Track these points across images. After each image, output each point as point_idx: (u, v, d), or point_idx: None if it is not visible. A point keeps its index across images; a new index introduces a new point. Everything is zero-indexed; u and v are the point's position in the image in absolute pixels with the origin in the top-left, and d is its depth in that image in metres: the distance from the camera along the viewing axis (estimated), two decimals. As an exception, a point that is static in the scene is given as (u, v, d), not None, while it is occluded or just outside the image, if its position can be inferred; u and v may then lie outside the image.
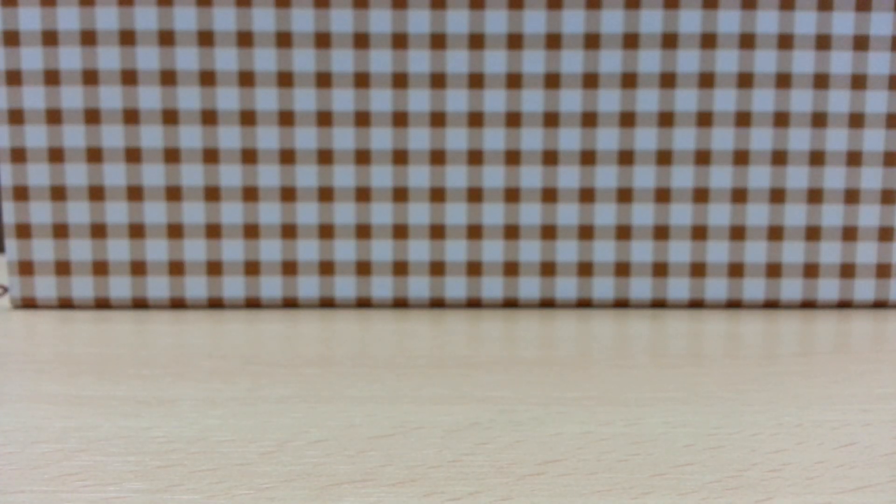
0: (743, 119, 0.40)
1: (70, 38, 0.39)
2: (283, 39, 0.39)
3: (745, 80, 0.40)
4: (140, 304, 0.40)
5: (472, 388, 0.25)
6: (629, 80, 0.40)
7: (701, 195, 0.40)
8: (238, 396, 0.24)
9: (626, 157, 0.40)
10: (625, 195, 0.40)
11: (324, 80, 0.39)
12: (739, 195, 0.40)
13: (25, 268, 0.39)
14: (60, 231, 0.39)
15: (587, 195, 0.40)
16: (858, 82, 0.39)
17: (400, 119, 0.40)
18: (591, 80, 0.40)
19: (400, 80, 0.39)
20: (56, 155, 0.39)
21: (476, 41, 0.39)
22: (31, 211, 0.39)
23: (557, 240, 0.40)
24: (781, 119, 0.40)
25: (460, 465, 0.19)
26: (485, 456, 0.19)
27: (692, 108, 0.40)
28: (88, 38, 0.39)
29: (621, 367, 0.28)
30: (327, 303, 0.40)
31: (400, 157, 0.40)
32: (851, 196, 0.40)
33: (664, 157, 0.40)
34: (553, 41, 0.39)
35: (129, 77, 0.39)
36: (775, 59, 0.39)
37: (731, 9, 0.39)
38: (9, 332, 0.34)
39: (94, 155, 0.39)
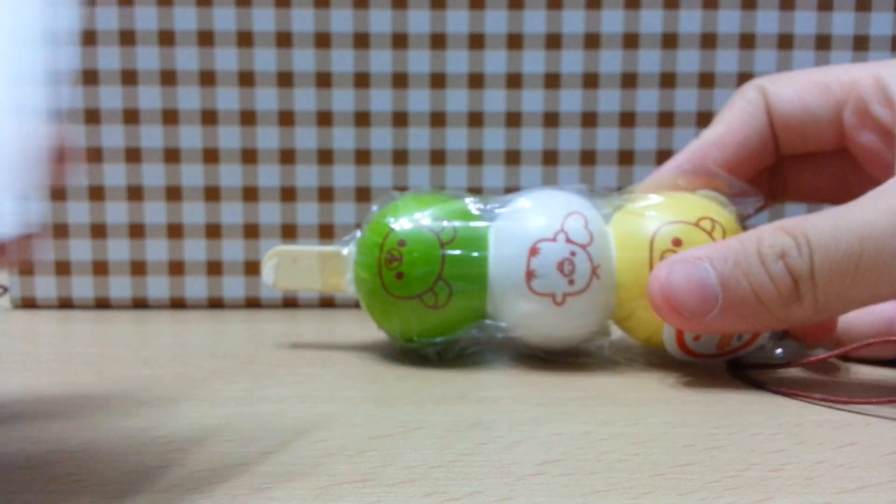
0: (743, 119, 0.40)
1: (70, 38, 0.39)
2: (283, 39, 0.39)
3: (745, 80, 0.40)
4: (140, 303, 0.40)
5: (472, 388, 0.25)
6: (629, 80, 0.40)
7: (701, 195, 0.40)
8: (238, 396, 0.24)
9: (626, 157, 0.40)
10: (625, 195, 0.40)
11: (324, 80, 0.39)
12: (739, 195, 0.40)
13: (25, 268, 0.39)
14: (60, 231, 0.39)
15: (587, 195, 0.40)
16: (858, 82, 0.39)
17: (400, 119, 0.40)
18: (591, 80, 0.40)
19: (400, 80, 0.39)
20: (56, 155, 0.39)
21: (476, 41, 0.39)
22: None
23: (557, 240, 0.40)
24: (781, 119, 0.40)
25: (460, 465, 0.19)
26: (485, 456, 0.19)
27: (692, 108, 0.40)
28: (88, 38, 0.39)
29: (617, 363, 0.28)
30: (327, 303, 0.40)
31: (400, 158, 0.40)
32: (851, 196, 0.40)
33: (664, 158, 0.40)
34: (553, 41, 0.39)
35: (129, 77, 0.39)
36: (775, 59, 0.39)
37: (731, 9, 0.39)
38: (9, 332, 0.34)
39: (95, 155, 0.39)
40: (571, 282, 0.26)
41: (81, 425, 0.21)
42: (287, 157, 0.40)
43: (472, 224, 0.27)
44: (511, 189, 0.40)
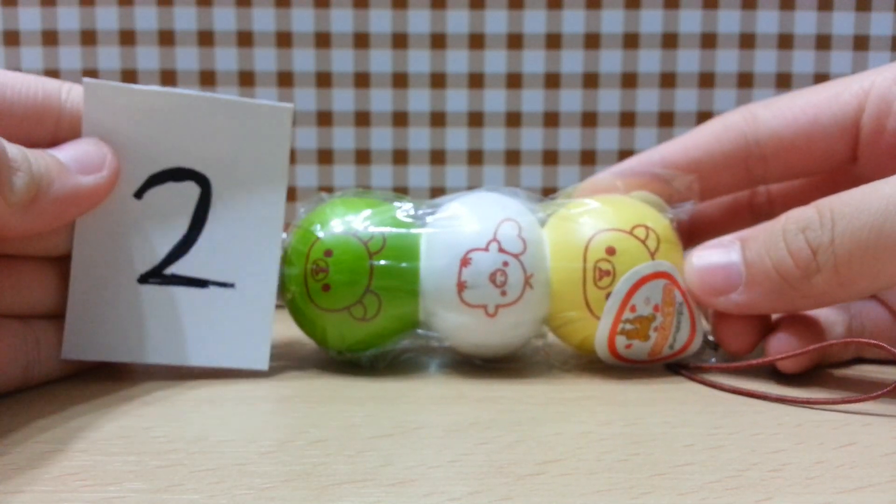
0: (743, 119, 0.40)
1: (70, 38, 0.39)
2: (283, 39, 0.39)
3: (744, 80, 0.40)
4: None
5: (473, 389, 0.25)
6: (629, 80, 0.40)
7: (701, 195, 0.40)
8: (238, 396, 0.24)
9: (626, 157, 0.40)
10: (625, 195, 0.40)
11: (324, 80, 0.39)
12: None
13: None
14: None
15: (587, 195, 0.40)
16: (858, 82, 0.39)
17: (400, 119, 0.40)
18: (591, 80, 0.40)
19: (400, 80, 0.39)
20: (56, 155, 0.39)
21: (476, 41, 0.39)
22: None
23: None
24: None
25: (460, 465, 0.19)
26: (485, 456, 0.19)
27: (692, 108, 0.40)
28: (88, 38, 0.39)
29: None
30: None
31: (400, 157, 0.40)
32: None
33: (664, 157, 0.40)
34: (553, 41, 0.39)
35: (129, 77, 0.39)
36: (775, 59, 0.39)
37: (731, 9, 0.39)
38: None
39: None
40: (504, 293, 0.25)
41: (81, 425, 0.21)
42: (287, 157, 0.40)
43: (403, 231, 0.26)
44: (511, 189, 0.40)
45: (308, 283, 0.26)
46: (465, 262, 0.25)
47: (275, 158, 0.26)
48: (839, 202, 0.23)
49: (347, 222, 0.26)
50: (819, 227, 0.23)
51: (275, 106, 0.25)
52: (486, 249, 0.25)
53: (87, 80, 0.24)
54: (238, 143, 0.25)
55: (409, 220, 0.26)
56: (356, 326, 0.26)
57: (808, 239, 0.23)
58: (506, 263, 0.25)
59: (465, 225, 0.26)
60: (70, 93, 0.24)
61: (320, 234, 0.26)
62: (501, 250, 0.25)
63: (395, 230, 0.26)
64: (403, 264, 0.25)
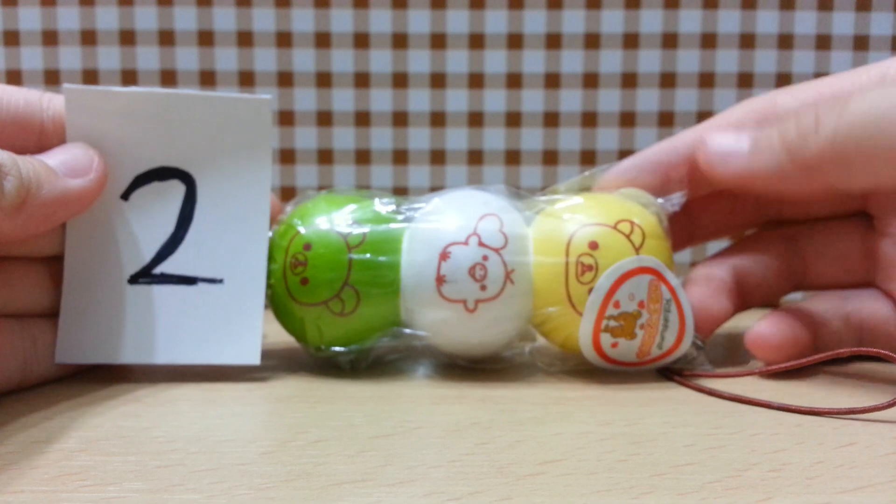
0: (743, 119, 0.40)
1: (70, 38, 0.39)
2: (283, 39, 0.39)
3: (745, 80, 0.40)
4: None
5: (472, 389, 0.25)
6: (629, 80, 0.40)
7: (701, 195, 0.40)
8: (238, 396, 0.24)
9: (626, 158, 0.40)
10: (625, 195, 0.40)
11: (324, 80, 0.39)
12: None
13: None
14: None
15: (587, 195, 0.40)
16: (858, 82, 0.39)
17: (400, 119, 0.40)
18: (591, 80, 0.40)
19: (400, 80, 0.39)
20: (56, 155, 0.39)
21: (476, 41, 0.39)
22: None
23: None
24: (781, 119, 0.40)
25: (460, 465, 0.19)
26: (485, 456, 0.19)
27: (692, 108, 0.40)
28: (88, 38, 0.39)
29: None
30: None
31: (400, 157, 0.40)
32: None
33: (664, 157, 0.40)
34: (553, 41, 0.39)
35: (129, 77, 0.39)
36: (775, 59, 0.39)
37: (731, 9, 0.39)
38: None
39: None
40: (483, 287, 0.24)
41: (81, 425, 0.21)
42: (287, 156, 0.40)
43: (384, 227, 0.26)
44: (511, 189, 0.40)
45: (287, 277, 0.26)
46: (444, 255, 0.25)
47: (257, 152, 0.26)
48: (861, 93, 0.24)
49: (328, 217, 0.26)
50: (832, 103, 0.24)
51: (253, 99, 0.25)
52: (466, 243, 0.25)
53: (66, 86, 0.24)
54: (219, 138, 0.26)
55: (392, 215, 0.26)
56: (334, 321, 0.26)
57: (817, 113, 0.24)
58: (485, 258, 0.25)
59: (446, 219, 0.26)
60: (51, 101, 0.24)
61: (301, 228, 0.26)
62: (481, 244, 0.25)
63: (375, 225, 0.26)
64: (382, 259, 0.25)
